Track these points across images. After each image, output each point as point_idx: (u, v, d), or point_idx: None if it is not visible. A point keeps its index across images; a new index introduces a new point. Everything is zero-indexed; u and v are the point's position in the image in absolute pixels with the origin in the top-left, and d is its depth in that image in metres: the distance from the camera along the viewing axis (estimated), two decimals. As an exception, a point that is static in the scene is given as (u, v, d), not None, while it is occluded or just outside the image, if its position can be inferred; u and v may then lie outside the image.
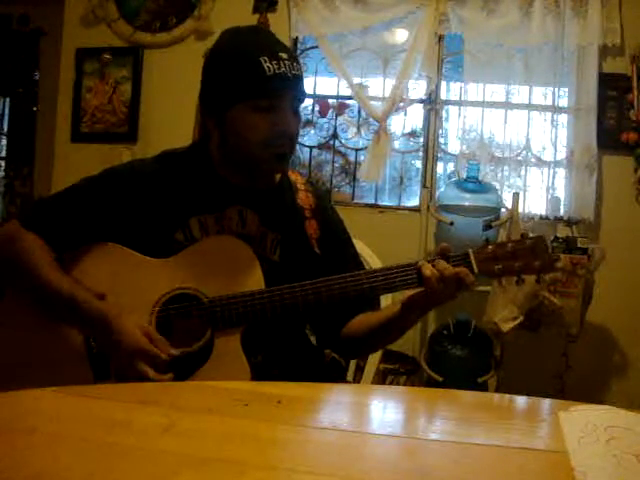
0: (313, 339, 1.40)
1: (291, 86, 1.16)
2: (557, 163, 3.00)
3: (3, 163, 4.02)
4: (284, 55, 1.15)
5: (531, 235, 1.13)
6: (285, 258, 1.24)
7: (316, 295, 1.11)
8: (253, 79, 1.13)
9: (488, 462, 0.69)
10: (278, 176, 1.31)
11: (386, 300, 1.45)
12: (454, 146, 3.21)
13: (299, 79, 1.18)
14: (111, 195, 1.20)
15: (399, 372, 2.75)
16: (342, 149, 3.37)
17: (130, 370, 1.04)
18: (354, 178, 3.31)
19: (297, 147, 3.24)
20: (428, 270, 1.07)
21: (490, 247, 1.11)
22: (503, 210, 2.80)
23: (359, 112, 3.27)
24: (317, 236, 1.29)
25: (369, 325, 1.24)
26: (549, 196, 2.99)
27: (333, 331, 1.29)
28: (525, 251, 1.11)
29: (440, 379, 2.62)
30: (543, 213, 2.97)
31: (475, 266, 1.10)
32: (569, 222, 2.92)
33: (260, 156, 1.18)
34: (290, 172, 1.35)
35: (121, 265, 1.18)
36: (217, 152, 1.25)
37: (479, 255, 1.11)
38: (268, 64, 1.13)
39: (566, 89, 3.01)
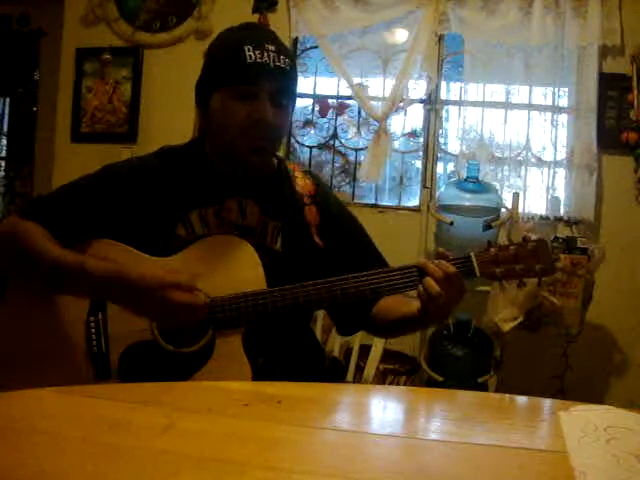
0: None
1: (272, 77, 1.15)
2: (557, 163, 3.00)
3: (3, 163, 4.02)
4: (271, 47, 1.15)
5: (533, 238, 1.12)
6: (287, 247, 1.24)
7: (318, 295, 1.11)
8: (233, 65, 1.14)
9: (488, 462, 0.69)
10: (276, 165, 1.31)
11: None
12: (454, 146, 3.20)
13: (283, 71, 1.17)
14: (111, 191, 1.20)
15: (399, 372, 2.75)
16: (342, 149, 3.36)
17: (163, 306, 1.05)
18: (354, 178, 3.31)
19: (297, 147, 3.30)
20: (428, 285, 1.06)
21: (492, 250, 1.11)
22: (503, 210, 2.80)
23: (359, 112, 3.27)
24: (317, 223, 1.28)
25: (394, 317, 1.22)
26: (549, 196, 2.99)
27: (362, 315, 1.27)
28: (527, 254, 1.10)
29: (440, 379, 2.61)
30: (543, 213, 2.97)
31: (477, 269, 1.10)
32: (569, 222, 2.92)
33: (236, 145, 1.18)
34: (287, 163, 1.35)
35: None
36: (208, 144, 1.26)
37: (481, 258, 1.10)
38: (250, 52, 1.13)
39: (566, 89, 3.01)
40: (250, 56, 1.13)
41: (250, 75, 1.14)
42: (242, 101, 1.15)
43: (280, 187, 1.29)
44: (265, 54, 1.14)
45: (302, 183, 1.31)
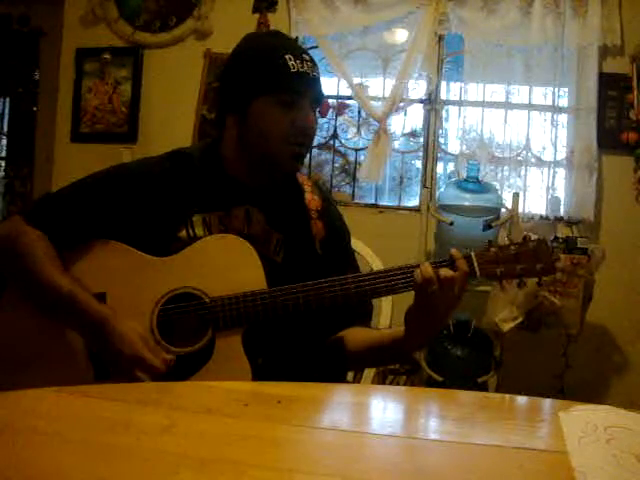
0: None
1: (312, 86, 1.20)
2: (557, 163, 3.00)
3: (3, 163, 4.02)
4: (307, 57, 1.20)
5: (533, 237, 1.12)
6: (288, 259, 1.24)
7: (317, 295, 1.11)
8: (278, 74, 1.16)
9: (488, 462, 0.69)
10: None
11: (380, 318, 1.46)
12: (454, 146, 3.21)
13: (318, 81, 1.21)
14: (118, 193, 1.20)
15: (399, 372, 2.75)
16: (342, 149, 3.37)
17: (127, 375, 1.05)
18: (354, 178, 3.31)
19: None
20: (425, 270, 1.06)
21: (492, 250, 1.10)
22: (503, 210, 2.80)
23: (359, 112, 3.27)
24: (321, 237, 1.29)
25: (368, 340, 1.22)
26: (549, 196, 2.99)
27: (319, 338, 1.27)
28: (527, 254, 1.10)
29: (440, 379, 2.62)
30: (543, 213, 2.97)
31: (477, 269, 1.09)
32: (569, 222, 2.92)
33: (278, 153, 1.19)
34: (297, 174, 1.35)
35: (123, 263, 1.17)
36: (231, 150, 1.24)
37: (481, 258, 1.10)
38: (293, 62, 1.17)
39: (566, 89, 3.01)
40: (293, 65, 1.17)
41: (295, 84, 1.17)
42: (285, 109, 1.17)
43: (288, 199, 1.30)
44: (305, 64, 1.18)
45: (310, 197, 1.32)
